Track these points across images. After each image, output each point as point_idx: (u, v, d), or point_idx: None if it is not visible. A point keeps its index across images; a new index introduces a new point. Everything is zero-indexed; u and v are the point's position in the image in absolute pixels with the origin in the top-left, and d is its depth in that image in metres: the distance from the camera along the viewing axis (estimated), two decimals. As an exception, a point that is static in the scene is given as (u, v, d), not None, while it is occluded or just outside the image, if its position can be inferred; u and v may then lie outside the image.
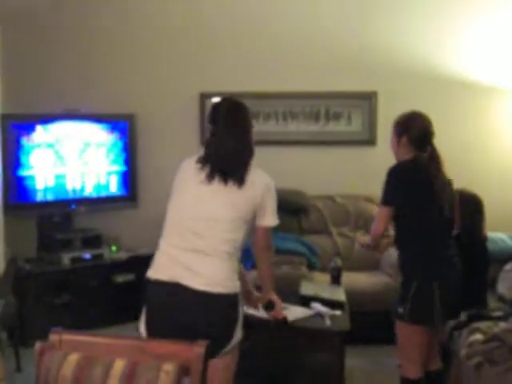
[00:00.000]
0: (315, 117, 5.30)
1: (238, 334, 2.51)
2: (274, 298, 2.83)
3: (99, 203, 5.04)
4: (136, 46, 5.22)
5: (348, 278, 4.16)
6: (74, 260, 4.71)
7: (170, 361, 1.80)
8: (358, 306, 3.84)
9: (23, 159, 4.59)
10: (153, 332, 2.45)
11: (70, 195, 4.87)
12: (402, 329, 2.99)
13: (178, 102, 5.26)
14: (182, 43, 5.23)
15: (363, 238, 3.67)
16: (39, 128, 4.66)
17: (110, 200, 5.09)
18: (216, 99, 2.71)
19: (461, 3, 5.13)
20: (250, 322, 2.77)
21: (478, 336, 3.24)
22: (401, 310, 2.95)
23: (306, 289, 3.68)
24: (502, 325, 3.32)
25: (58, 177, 4.79)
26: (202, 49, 5.24)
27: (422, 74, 5.19)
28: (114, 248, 5.03)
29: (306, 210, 5.10)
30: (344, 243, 5.01)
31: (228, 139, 2.51)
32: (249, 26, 5.23)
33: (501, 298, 4.03)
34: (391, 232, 3.11)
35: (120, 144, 5.07)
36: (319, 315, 3.31)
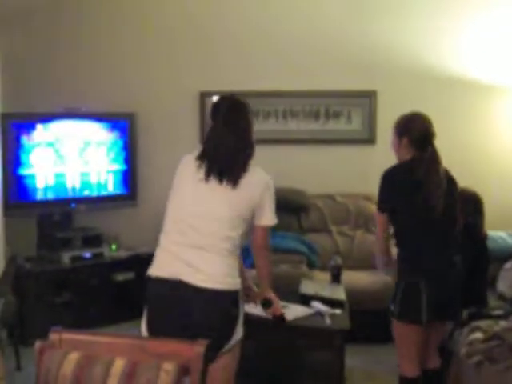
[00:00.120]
0: (315, 115, 5.30)
1: (239, 332, 2.52)
2: (272, 295, 2.83)
3: (99, 202, 5.04)
4: (136, 44, 5.22)
5: (348, 276, 4.16)
6: (74, 259, 4.71)
7: (170, 360, 1.80)
8: (358, 305, 3.83)
9: (23, 158, 4.59)
10: (154, 331, 2.45)
11: (70, 194, 4.87)
12: (396, 327, 3.03)
13: (178, 100, 5.26)
14: (182, 42, 5.24)
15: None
16: (39, 127, 4.66)
17: (110, 199, 5.09)
18: (217, 97, 2.70)
19: (460, 2, 5.13)
20: (250, 321, 2.78)
21: (478, 334, 3.24)
22: (392, 308, 3.01)
23: (306, 287, 3.68)
24: (503, 323, 3.32)
25: (58, 176, 4.79)
26: (202, 48, 5.24)
27: (422, 72, 5.19)
28: (114, 247, 5.04)
29: (305, 209, 5.10)
30: (344, 242, 5.01)
31: (228, 137, 2.50)
32: (249, 25, 5.23)
33: (501, 297, 4.04)
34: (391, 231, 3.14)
35: (120, 143, 5.07)
36: (319, 314, 3.31)
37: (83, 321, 4.38)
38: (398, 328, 3.02)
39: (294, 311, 3.27)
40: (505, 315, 3.49)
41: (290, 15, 5.22)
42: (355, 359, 3.91)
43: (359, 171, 5.24)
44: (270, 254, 2.71)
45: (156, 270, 2.51)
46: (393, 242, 3.14)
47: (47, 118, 4.72)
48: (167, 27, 5.21)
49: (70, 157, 4.83)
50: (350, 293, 3.72)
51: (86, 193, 4.95)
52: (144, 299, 2.53)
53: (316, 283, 4.01)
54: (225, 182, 2.47)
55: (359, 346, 4.00)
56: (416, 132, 3.00)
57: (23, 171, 4.61)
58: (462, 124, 5.24)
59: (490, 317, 3.47)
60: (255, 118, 5.08)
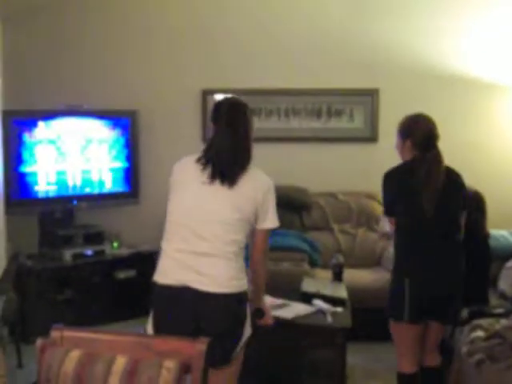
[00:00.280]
0: (317, 114, 5.30)
1: (247, 331, 2.52)
2: (265, 306, 2.79)
3: (101, 199, 5.03)
4: (138, 42, 5.22)
5: (350, 274, 4.16)
6: (75, 256, 4.71)
7: (172, 358, 1.80)
8: (359, 303, 3.84)
9: (25, 155, 4.59)
10: (162, 332, 2.44)
11: (72, 191, 4.87)
12: (390, 324, 3.08)
13: (180, 98, 5.26)
14: (184, 40, 5.23)
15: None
16: (41, 124, 4.66)
17: (111, 196, 5.09)
18: (219, 98, 2.69)
19: (461, 1, 5.12)
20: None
21: (480, 333, 3.23)
22: (385, 305, 3.08)
23: (308, 285, 3.68)
24: (504, 322, 3.31)
25: (60, 173, 4.79)
26: (203, 46, 5.23)
27: (424, 71, 5.19)
28: (115, 244, 5.03)
29: (307, 207, 5.10)
30: (346, 240, 5.01)
31: (228, 139, 2.49)
32: (251, 24, 5.22)
33: (502, 295, 4.04)
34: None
35: (122, 140, 5.07)
36: (321, 312, 3.31)
37: (85, 318, 4.38)
38: (392, 325, 3.08)
39: (295, 309, 3.27)
40: (506, 314, 3.49)
41: (292, 14, 5.21)
42: (356, 357, 3.91)
43: (361, 169, 5.24)
44: (267, 259, 2.67)
45: (162, 278, 2.49)
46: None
47: (49, 116, 4.72)
48: (169, 25, 5.20)
49: (71, 154, 4.82)
50: (352, 291, 3.73)
51: (88, 190, 4.95)
52: (150, 302, 2.52)
53: (318, 281, 4.01)
54: (227, 184, 2.46)
55: (361, 344, 4.00)
56: (420, 135, 2.99)
57: (25, 168, 4.60)
58: (464, 122, 5.23)
59: (492, 315, 3.47)
60: (257, 116, 5.12)
